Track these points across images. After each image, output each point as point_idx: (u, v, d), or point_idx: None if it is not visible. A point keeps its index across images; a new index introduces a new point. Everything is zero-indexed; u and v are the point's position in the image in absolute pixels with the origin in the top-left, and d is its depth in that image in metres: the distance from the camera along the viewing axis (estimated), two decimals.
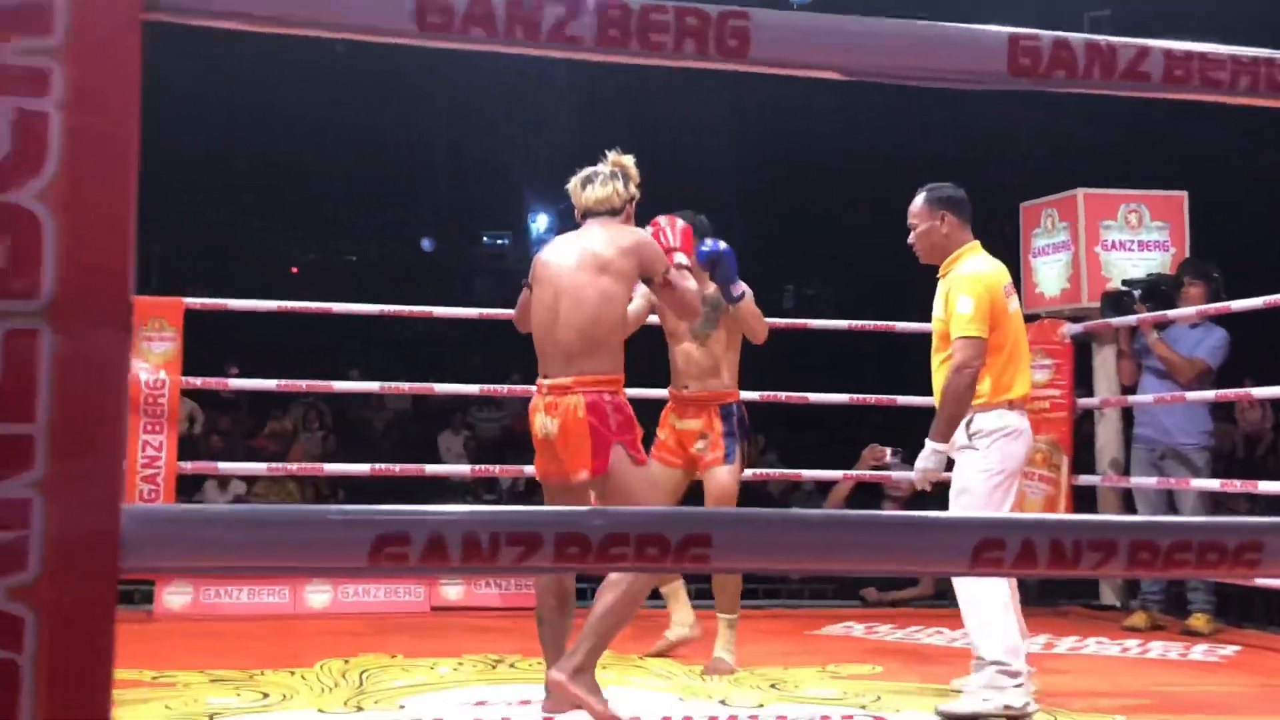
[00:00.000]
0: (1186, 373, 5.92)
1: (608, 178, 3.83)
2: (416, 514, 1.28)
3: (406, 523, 1.26)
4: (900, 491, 6.82)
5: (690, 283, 3.72)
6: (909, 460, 6.63)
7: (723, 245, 4.57)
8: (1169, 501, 5.97)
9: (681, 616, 5.14)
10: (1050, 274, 6.81)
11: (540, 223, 20.56)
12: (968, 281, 4.12)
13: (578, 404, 3.61)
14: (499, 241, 20.75)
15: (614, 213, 3.81)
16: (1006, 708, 3.89)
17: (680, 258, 3.75)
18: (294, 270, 18.77)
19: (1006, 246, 7.55)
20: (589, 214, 3.82)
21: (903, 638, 5.53)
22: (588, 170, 3.86)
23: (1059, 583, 6.68)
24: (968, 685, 4.01)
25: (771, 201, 16.76)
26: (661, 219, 3.92)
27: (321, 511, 1.34)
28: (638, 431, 3.68)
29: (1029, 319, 6.82)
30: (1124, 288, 6.40)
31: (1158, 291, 6.26)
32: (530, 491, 10.95)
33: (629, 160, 3.88)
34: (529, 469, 8.29)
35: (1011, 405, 4.14)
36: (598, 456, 3.60)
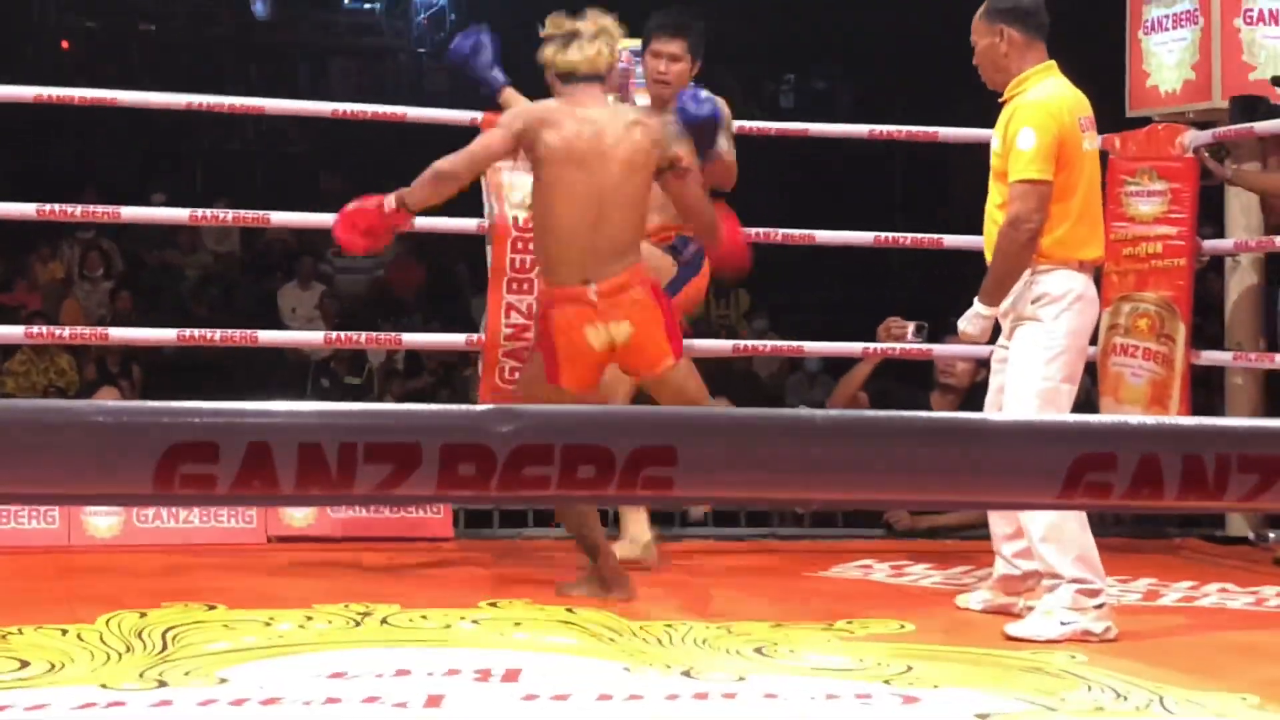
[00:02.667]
0: None
1: (593, 37, 4.76)
2: (228, 415, 1.22)
3: (213, 427, 1.20)
4: (956, 379, 6.81)
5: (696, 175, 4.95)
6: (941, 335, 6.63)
7: (706, 104, 5.19)
8: None
9: (636, 531, 5.22)
10: (1168, 59, 6.76)
11: None
12: (1032, 110, 4.52)
13: (645, 296, 4.74)
14: (366, 6, 20.43)
15: (601, 78, 4.79)
16: (1085, 633, 4.37)
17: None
18: (64, 45, 18.41)
19: (1105, 20, 7.49)
20: (574, 78, 4.77)
21: (943, 582, 5.57)
22: (567, 25, 4.79)
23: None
24: (1041, 606, 4.44)
25: None
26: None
27: (90, 410, 1.28)
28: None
29: (1138, 122, 6.81)
30: (1273, 82, 6.36)
31: None
32: (411, 373, 10.95)
33: (611, 21, 4.81)
34: (411, 338, 8.31)
35: (1082, 266, 4.53)
36: (673, 339, 4.80)
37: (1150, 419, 1.76)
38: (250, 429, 1.22)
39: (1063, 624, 4.39)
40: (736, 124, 6.97)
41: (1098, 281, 6.83)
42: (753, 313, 12.73)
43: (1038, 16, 4.69)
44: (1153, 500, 1.29)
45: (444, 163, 4.78)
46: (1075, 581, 4.39)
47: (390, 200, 4.76)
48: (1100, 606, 4.42)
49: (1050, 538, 4.42)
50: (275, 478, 1.22)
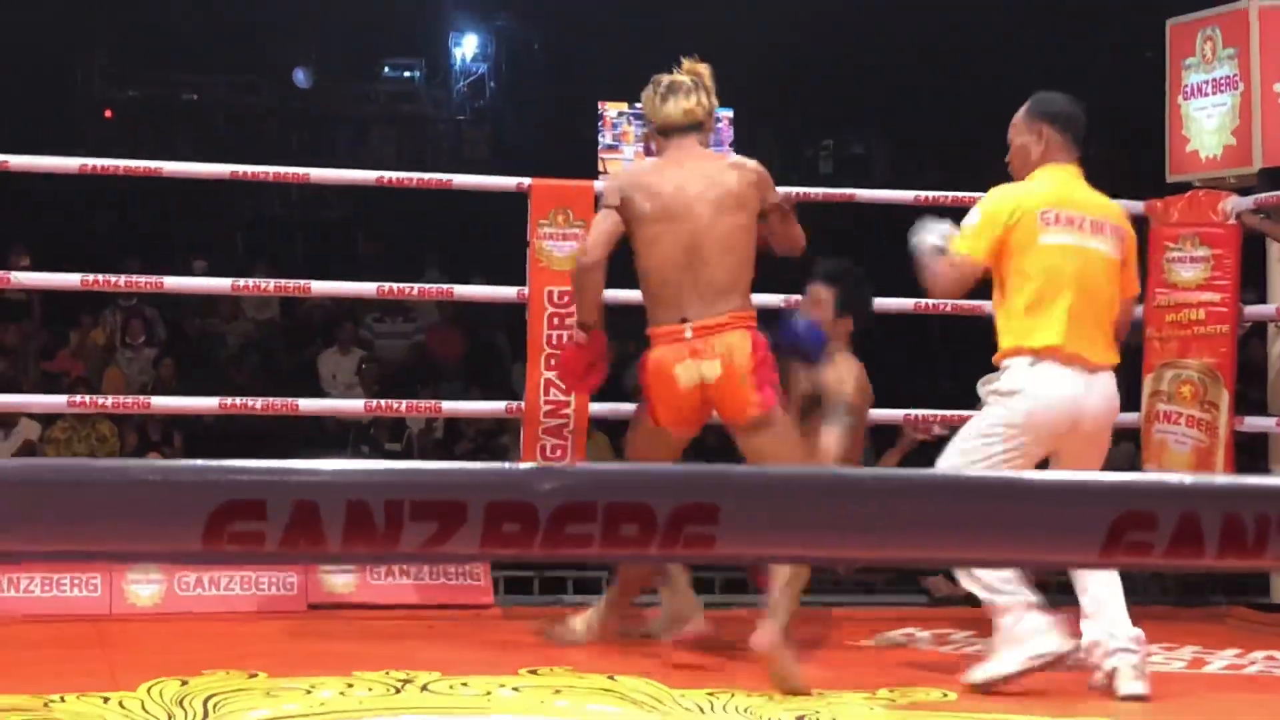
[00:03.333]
0: None
1: (691, 88, 4.93)
2: (277, 473, 1.24)
3: (261, 485, 1.22)
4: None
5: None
6: None
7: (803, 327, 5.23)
8: None
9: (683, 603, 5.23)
10: (1208, 124, 6.76)
11: (467, 48, 20.42)
12: (989, 196, 4.80)
13: (741, 340, 4.79)
14: (406, 75, 20.58)
15: (699, 128, 4.97)
16: (1034, 658, 4.53)
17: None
18: (107, 114, 18.60)
19: (1147, 81, 7.49)
20: (673, 130, 4.95)
21: (985, 649, 5.54)
22: (665, 79, 4.95)
23: (1211, 572, 6.71)
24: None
25: (802, 27, 16.63)
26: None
27: (139, 469, 1.30)
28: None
29: (1179, 188, 6.80)
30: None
31: None
32: (451, 440, 10.97)
33: (705, 69, 4.96)
34: (451, 405, 8.33)
35: (1038, 355, 4.65)
36: (762, 390, 4.79)
37: (1190, 477, 1.76)
38: (298, 487, 1.24)
39: (1003, 661, 4.57)
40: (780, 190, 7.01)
41: (1139, 349, 6.86)
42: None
43: (1075, 123, 4.80)
44: (1193, 559, 1.30)
45: (578, 267, 5.10)
46: (996, 609, 4.61)
47: (578, 335, 5.17)
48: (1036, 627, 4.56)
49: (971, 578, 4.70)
50: (323, 535, 1.24)
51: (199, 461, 1.27)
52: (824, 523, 1.29)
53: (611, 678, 4.77)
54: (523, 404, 6.14)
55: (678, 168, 4.92)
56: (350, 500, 1.23)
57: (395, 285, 6.70)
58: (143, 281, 6.73)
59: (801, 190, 6.85)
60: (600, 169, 16.30)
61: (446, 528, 1.26)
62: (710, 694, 4.52)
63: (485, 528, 1.27)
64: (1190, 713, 4.44)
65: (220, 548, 1.23)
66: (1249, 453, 7.25)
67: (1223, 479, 1.31)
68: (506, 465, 1.31)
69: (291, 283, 6.81)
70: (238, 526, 1.23)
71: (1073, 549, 1.32)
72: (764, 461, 4.88)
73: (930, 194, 6.94)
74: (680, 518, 1.28)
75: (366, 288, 6.96)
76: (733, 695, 4.50)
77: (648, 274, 4.96)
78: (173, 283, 6.78)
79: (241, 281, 6.69)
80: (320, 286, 6.95)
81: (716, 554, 1.31)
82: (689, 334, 4.81)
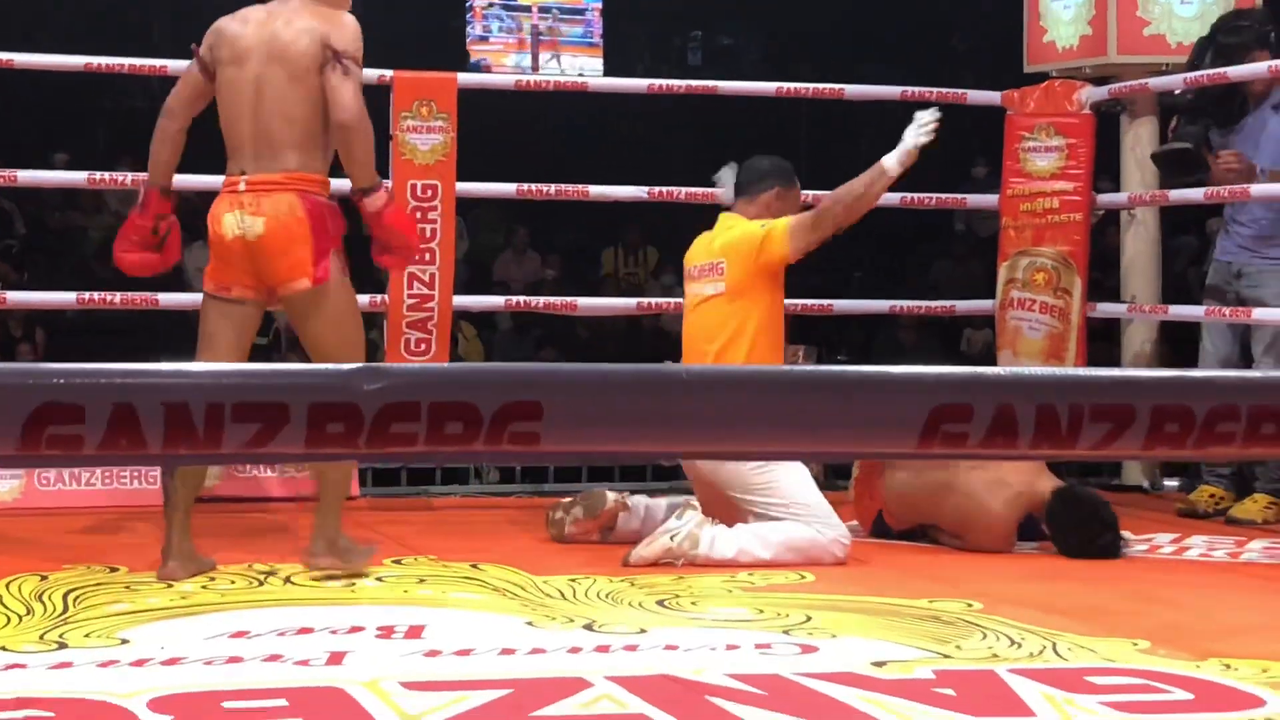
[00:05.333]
0: None
1: None
2: (95, 375, 1.22)
3: (77, 389, 1.20)
4: None
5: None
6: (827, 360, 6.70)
7: None
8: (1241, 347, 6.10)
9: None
10: (1064, 14, 6.81)
11: None
12: None
13: (294, 202, 4.47)
14: None
15: None
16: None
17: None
18: None
19: None
20: None
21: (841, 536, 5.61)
22: None
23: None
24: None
25: None
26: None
27: None
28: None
29: (1036, 78, 6.84)
30: (1178, 145, 6.20)
31: (1216, 102, 6.16)
32: None
33: None
34: None
35: None
36: (318, 263, 4.49)
37: (1003, 370, 1.79)
38: (116, 389, 1.22)
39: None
40: (645, 82, 6.99)
41: (995, 237, 6.94)
42: (661, 269, 12.74)
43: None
44: (1007, 449, 1.32)
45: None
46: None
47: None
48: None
49: None
50: (142, 438, 1.23)
51: (14, 365, 1.25)
52: (645, 418, 1.29)
53: (475, 565, 4.79)
54: (386, 298, 6.10)
55: (263, 14, 4.61)
56: (169, 402, 1.22)
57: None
58: None
59: (667, 82, 6.84)
60: (470, 60, 16.17)
61: (269, 429, 1.25)
62: (572, 580, 4.56)
63: (309, 429, 1.26)
64: (1047, 598, 4.53)
65: (38, 451, 1.21)
66: (1103, 339, 7.37)
67: (1039, 371, 1.33)
68: (330, 366, 1.31)
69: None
70: (55, 430, 1.21)
71: (890, 440, 1.34)
72: (319, 350, 4.61)
73: (794, 85, 6.96)
74: (504, 415, 1.28)
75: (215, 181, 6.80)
76: (594, 581, 4.54)
77: (222, 128, 4.67)
78: (27, 176, 6.63)
79: (99, 174, 6.56)
80: (181, 180, 6.80)
81: (541, 450, 1.31)
82: (243, 187, 4.54)
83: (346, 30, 4.55)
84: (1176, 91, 6.33)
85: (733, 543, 4.90)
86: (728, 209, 5.34)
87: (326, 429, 1.26)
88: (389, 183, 4.63)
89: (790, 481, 5.00)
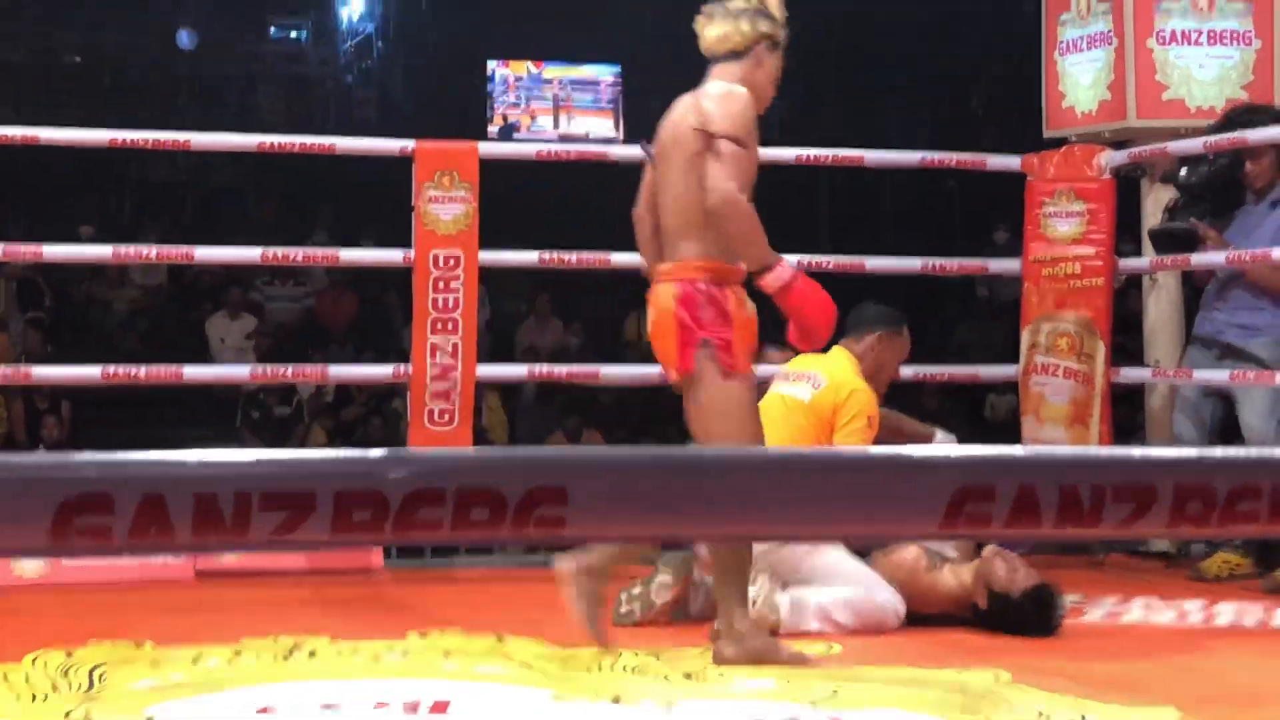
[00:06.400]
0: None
1: (730, 13, 4.45)
2: (123, 466, 1.23)
3: (107, 480, 1.22)
4: None
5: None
6: None
7: None
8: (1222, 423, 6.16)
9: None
10: (1083, 79, 6.83)
11: (354, 7, 20.25)
12: None
13: (670, 292, 4.38)
14: (293, 35, 20.36)
15: (735, 56, 4.46)
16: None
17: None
18: None
19: (1028, 36, 7.51)
20: (709, 58, 4.49)
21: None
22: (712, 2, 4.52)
23: None
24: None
25: None
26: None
27: None
28: (735, 333, 4.36)
29: (1056, 143, 6.87)
30: (1172, 225, 6.36)
31: (1218, 191, 6.29)
32: (341, 403, 10.91)
33: None
34: (338, 370, 8.27)
35: None
36: (684, 350, 4.37)
37: (1031, 453, 1.80)
38: (143, 480, 1.23)
39: None
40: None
41: (1018, 301, 6.94)
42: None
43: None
44: (1031, 529, 1.33)
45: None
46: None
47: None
48: None
49: None
50: (171, 527, 1.24)
51: (45, 455, 1.26)
52: (670, 501, 1.30)
53: (500, 638, 4.78)
54: (409, 368, 6.12)
55: (689, 97, 4.48)
56: (198, 493, 1.23)
57: (279, 251, 6.61)
58: (22, 250, 6.63)
59: None
60: (490, 129, 16.34)
61: (295, 517, 1.26)
62: (598, 653, 4.54)
63: (335, 516, 1.27)
64: (1077, 669, 4.52)
65: (68, 541, 1.22)
66: (1126, 404, 7.36)
67: (1060, 451, 1.34)
68: (355, 453, 1.32)
69: (174, 249, 6.74)
70: (85, 521, 1.22)
71: (914, 521, 1.34)
72: (694, 431, 4.45)
73: (813, 152, 6.96)
74: (530, 501, 1.29)
75: (250, 253, 6.85)
76: (620, 655, 4.53)
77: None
78: (52, 251, 6.67)
79: (123, 249, 6.60)
80: (203, 253, 6.87)
81: (567, 535, 1.32)
82: (654, 276, 4.54)
83: (724, 107, 4.38)
84: (1181, 174, 6.41)
85: (808, 614, 5.01)
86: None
87: (353, 516, 1.27)
88: (787, 259, 4.36)
89: (836, 556, 5.06)
